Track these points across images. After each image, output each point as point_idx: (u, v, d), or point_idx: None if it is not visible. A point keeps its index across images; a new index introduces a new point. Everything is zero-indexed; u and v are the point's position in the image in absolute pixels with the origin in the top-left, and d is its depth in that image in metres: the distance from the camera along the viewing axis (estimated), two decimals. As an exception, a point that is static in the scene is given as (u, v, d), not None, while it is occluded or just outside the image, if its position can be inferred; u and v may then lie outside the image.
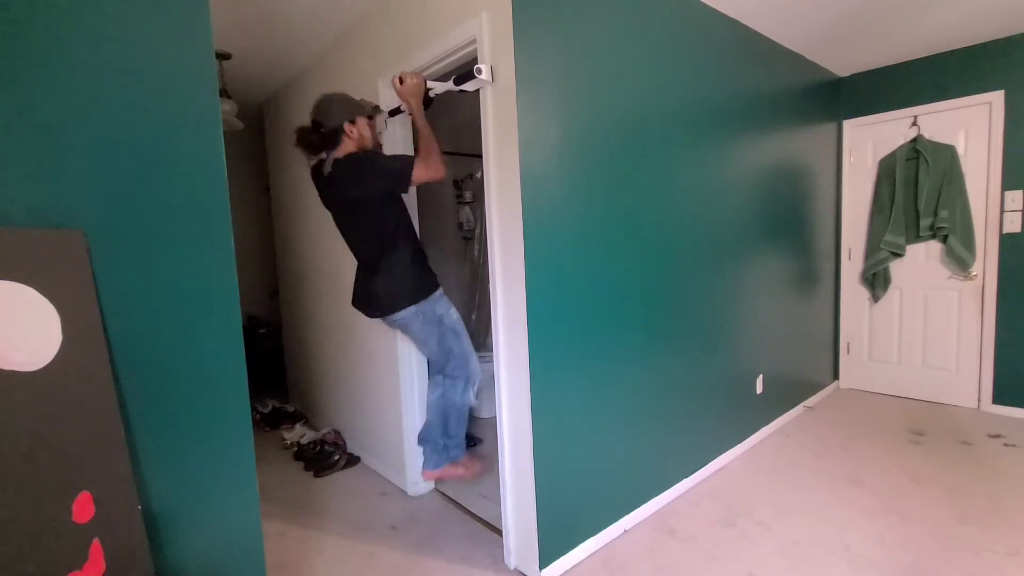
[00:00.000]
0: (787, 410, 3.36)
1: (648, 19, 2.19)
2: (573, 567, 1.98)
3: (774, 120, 3.06)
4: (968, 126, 3.32)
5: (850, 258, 3.86)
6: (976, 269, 3.33)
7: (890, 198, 3.59)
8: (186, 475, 1.25)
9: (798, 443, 3.00)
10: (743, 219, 2.82)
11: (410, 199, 2.47)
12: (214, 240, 1.28)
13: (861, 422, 3.29)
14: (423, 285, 2.03)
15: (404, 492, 2.61)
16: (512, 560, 1.98)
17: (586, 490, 2.04)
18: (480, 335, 4.07)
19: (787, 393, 3.36)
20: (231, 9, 2.35)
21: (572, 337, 1.96)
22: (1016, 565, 1.86)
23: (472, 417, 3.58)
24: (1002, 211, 3.23)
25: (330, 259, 3.02)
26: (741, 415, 2.91)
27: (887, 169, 3.60)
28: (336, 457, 2.96)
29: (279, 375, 4.26)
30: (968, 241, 3.31)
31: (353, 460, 3.01)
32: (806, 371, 3.60)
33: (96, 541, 1.05)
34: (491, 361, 2.00)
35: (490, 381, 2.25)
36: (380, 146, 2.18)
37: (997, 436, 2.98)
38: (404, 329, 2.16)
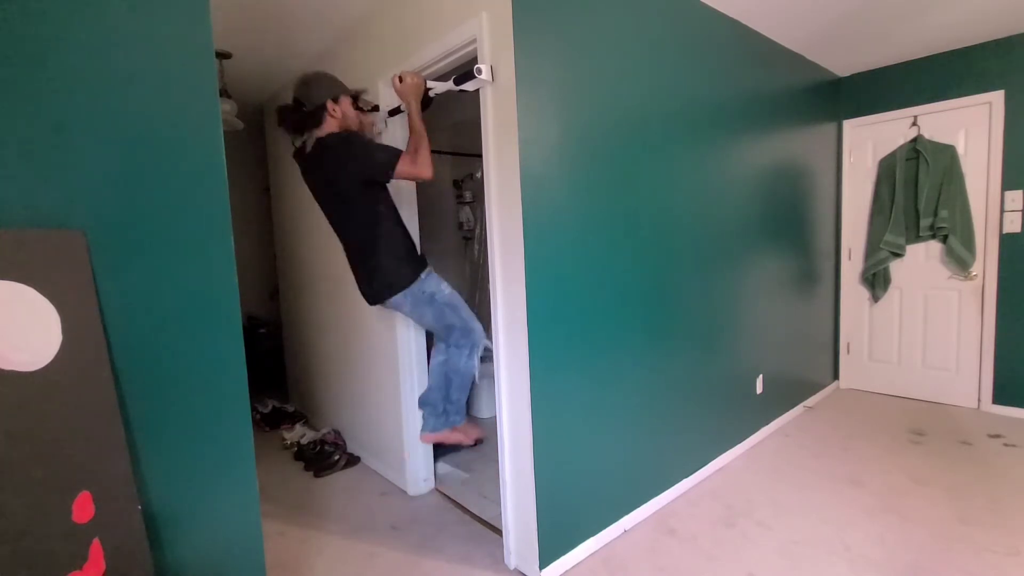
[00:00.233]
0: (787, 410, 3.36)
1: (648, 19, 2.19)
2: (573, 567, 1.98)
3: (774, 120, 3.06)
4: (968, 126, 3.32)
5: (850, 258, 3.86)
6: (976, 269, 3.33)
7: (890, 198, 3.59)
8: (186, 475, 1.25)
9: (798, 443, 3.00)
10: (743, 219, 2.82)
11: (410, 198, 2.48)
12: (214, 240, 1.28)
13: (861, 422, 3.29)
14: (406, 272, 1.98)
15: (404, 492, 2.61)
16: (512, 560, 1.98)
17: (586, 490, 2.04)
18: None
19: (787, 393, 3.36)
20: (231, 9, 2.35)
21: (572, 337, 1.96)
22: (1016, 565, 1.86)
23: (472, 417, 3.59)
24: (1002, 211, 3.23)
25: (330, 259, 3.01)
26: (741, 415, 2.91)
27: (887, 169, 3.60)
28: (336, 457, 2.96)
29: (279, 375, 4.26)
30: (968, 241, 3.31)
31: (353, 460, 3.01)
32: (806, 371, 3.60)
33: (96, 541, 1.05)
34: (491, 361, 2.00)
35: (490, 381, 2.25)
36: (366, 128, 2.10)
37: (997, 436, 2.98)
38: (398, 310, 2.12)
